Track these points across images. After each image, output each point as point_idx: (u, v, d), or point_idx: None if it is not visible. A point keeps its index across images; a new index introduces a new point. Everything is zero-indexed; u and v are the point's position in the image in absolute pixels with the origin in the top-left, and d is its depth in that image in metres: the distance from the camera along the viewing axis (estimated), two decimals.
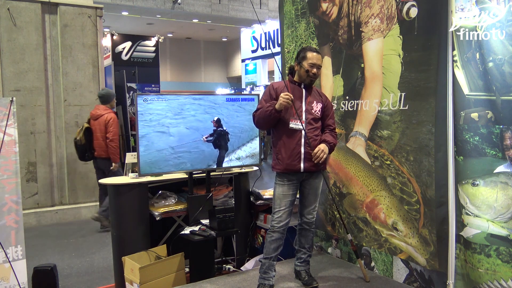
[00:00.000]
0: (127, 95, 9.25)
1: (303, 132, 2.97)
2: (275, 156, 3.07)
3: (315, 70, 3.00)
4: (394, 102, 3.18)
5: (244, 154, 3.91)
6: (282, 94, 2.88)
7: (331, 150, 3.05)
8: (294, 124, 2.98)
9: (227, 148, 3.79)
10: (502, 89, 2.57)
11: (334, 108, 3.56)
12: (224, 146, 3.77)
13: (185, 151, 3.58)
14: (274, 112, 2.91)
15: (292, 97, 2.89)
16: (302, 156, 2.98)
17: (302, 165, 2.99)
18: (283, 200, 3.03)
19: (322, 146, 2.97)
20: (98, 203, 6.59)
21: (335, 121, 3.20)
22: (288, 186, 3.03)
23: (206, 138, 3.67)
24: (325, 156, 2.97)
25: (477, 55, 2.65)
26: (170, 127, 3.51)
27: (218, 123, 3.73)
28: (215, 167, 3.75)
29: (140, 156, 3.39)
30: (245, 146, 3.90)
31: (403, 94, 3.12)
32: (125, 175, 3.85)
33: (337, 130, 3.23)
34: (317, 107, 3.06)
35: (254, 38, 15.78)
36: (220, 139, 3.74)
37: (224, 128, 3.76)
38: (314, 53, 3.01)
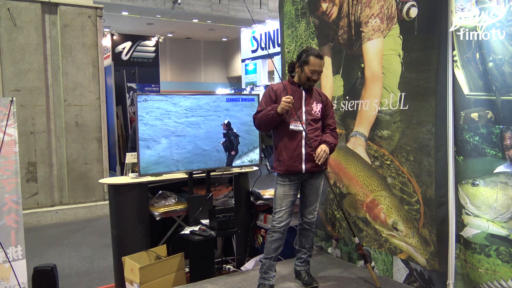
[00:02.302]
0: (127, 95, 9.27)
1: (303, 133, 2.97)
2: (276, 158, 3.07)
3: (316, 76, 3.00)
4: (394, 102, 3.18)
5: (257, 157, 3.92)
6: (283, 98, 2.88)
7: (331, 150, 3.05)
8: (294, 126, 2.98)
9: (238, 151, 3.79)
10: (502, 89, 2.57)
11: (334, 108, 3.56)
12: (235, 149, 3.77)
13: (197, 154, 3.60)
14: (276, 116, 2.91)
15: (293, 100, 2.89)
16: (303, 157, 2.98)
17: (303, 166, 2.99)
18: (284, 200, 3.03)
19: (324, 147, 2.97)
20: (97, 203, 6.63)
21: (335, 121, 3.20)
22: (289, 186, 3.03)
23: (222, 142, 3.70)
24: (326, 156, 2.98)
25: (477, 55, 2.65)
26: (174, 128, 3.51)
27: (228, 126, 3.73)
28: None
29: (140, 157, 3.39)
30: (256, 149, 3.91)
31: (403, 94, 3.12)
32: (125, 175, 3.86)
33: (337, 130, 3.23)
34: (317, 108, 3.06)
35: (254, 38, 15.76)
36: (231, 141, 3.74)
37: (235, 131, 3.76)
38: (317, 59, 2.96)
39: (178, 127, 3.53)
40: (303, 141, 2.98)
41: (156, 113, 3.44)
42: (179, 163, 3.53)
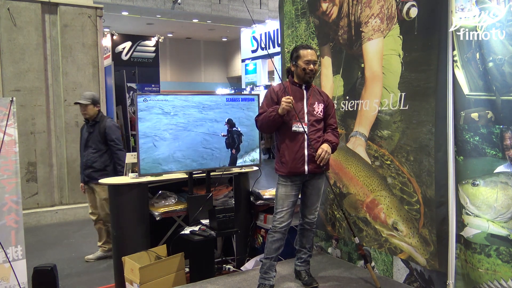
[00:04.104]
0: (127, 95, 9.26)
1: (305, 134, 2.97)
2: (278, 159, 3.06)
3: (311, 66, 2.99)
4: (394, 102, 3.18)
5: (257, 157, 3.92)
6: (283, 99, 2.88)
7: (333, 149, 3.04)
8: (297, 127, 2.97)
9: (239, 149, 3.79)
10: (502, 89, 2.57)
11: (334, 108, 3.56)
12: (237, 147, 3.77)
13: (199, 153, 3.61)
14: (278, 117, 2.92)
15: (293, 101, 2.89)
16: (306, 159, 2.98)
17: (306, 167, 2.98)
18: (286, 201, 3.03)
19: (325, 147, 2.96)
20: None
21: (336, 120, 3.19)
22: (291, 187, 3.03)
23: (223, 134, 3.70)
24: (328, 156, 2.98)
25: (477, 55, 2.65)
26: (173, 128, 3.51)
27: (230, 123, 3.73)
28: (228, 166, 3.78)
29: (140, 156, 3.39)
30: (257, 149, 3.91)
31: (403, 94, 3.12)
32: (125, 175, 3.85)
33: (338, 130, 3.22)
34: (318, 108, 3.06)
35: (254, 38, 15.77)
36: (233, 139, 3.74)
37: (238, 129, 3.77)
38: (307, 50, 3.00)
39: (177, 127, 3.53)
40: (305, 142, 2.98)
41: (153, 114, 3.44)
42: (179, 163, 3.53)
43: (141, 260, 3.34)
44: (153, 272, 3.21)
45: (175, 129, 3.51)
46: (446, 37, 2.76)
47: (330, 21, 3.70)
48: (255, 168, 4.08)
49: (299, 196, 3.14)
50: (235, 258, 3.99)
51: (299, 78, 3.06)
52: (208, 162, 3.67)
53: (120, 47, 9.99)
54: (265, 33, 14.68)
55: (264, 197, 3.95)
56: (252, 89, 15.29)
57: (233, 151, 3.77)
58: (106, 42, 9.65)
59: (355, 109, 3.53)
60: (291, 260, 3.53)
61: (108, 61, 9.26)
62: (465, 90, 2.71)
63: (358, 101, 3.50)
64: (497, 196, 2.61)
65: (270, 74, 16.41)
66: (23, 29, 6.06)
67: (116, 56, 9.87)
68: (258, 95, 4.13)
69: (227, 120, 3.73)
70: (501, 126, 2.58)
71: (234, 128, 3.76)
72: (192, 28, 17.38)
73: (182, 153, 3.54)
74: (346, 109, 3.61)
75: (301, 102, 3.03)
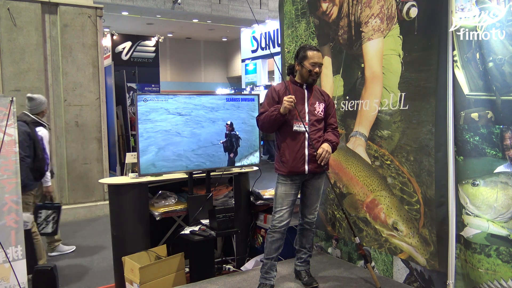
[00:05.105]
0: (127, 95, 9.26)
1: (306, 134, 2.97)
2: (278, 159, 3.06)
3: (317, 69, 2.99)
4: (394, 102, 3.18)
5: (256, 160, 3.92)
6: (285, 98, 2.87)
7: (334, 149, 3.04)
8: (298, 127, 2.97)
9: (237, 153, 3.79)
10: (502, 89, 2.57)
11: (334, 107, 3.57)
12: (235, 151, 3.77)
13: (198, 155, 3.60)
14: (280, 117, 2.91)
15: (295, 100, 2.88)
16: (306, 158, 2.98)
17: (306, 167, 2.98)
18: (285, 200, 3.03)
19: (326, 146, 2.96)
20: (97, 203, 6.59)
21: (336, 120, 3.19)
22: (290, 186, 3.03)
23: (222, 142, 3.70)
24: (329, 156, 2.97)
25: (477, 55, 2.65)
26: (176, 129, 3.51)
27: (231, 126, 3.73)
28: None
29: (140, 157, 3.38)
30: (256, 152, 3.91)
31: (403, 94, 3.12)
32: (125, 175, 3.86)
33: (338, 130, 3.22)
34: (319, 108, 3.06)
35: (254, 38, 15.78)
36: (232, 143, 3.74)
37: (237, 133, 3.77)
38: (315, 52, 2.98)
39: (177, 128, 3.53)
40: (306, 142, 2.98)
41: (153, 114, 3.44)
42: (179, 163, 3.53)
43: (141, 260, 3.34)
44: (153, 272, 3.21)
45: (175, 129, 3.51)
46: (446, 37, 2.76)
47: (330, 21, 3.70)
48: (255, 168, 4.08)
49: (299, 195, 3.14)
50: (235, 258, 3.99)
51: (302, 78, 3.05)
52: (208, 163, 3.66)
53: (120, 47, 10.00)
54: (265, 33, 14.70)
55: (264, 197, 3.95)
56: (252, 89, 15.29)
57: (231, 155, 3.76)
58: (106, 42, 9.66)
59: (355, 109, 3.53)
60: (291, 260, 3.53)
61: (108, 61, 9.26)
62: (465, 90, 2.72)
63: (358, 101, 3.50)
64: (497, 196, 2.61)
65: (270, 74, 16.43)
66: (23, 29, 6.05)
67: (116, 56, 9.88)
68: (258, 95, 4.13)
69: (230, 123, 3.72)
70: (501, 126, 2.58)
71: (232, 132, 3.76)
72: (192, 28, 17.38)
73: (182, 154, 3.54)
74: (346, 109, 3.61)
75: (302, 102, 3.03)
